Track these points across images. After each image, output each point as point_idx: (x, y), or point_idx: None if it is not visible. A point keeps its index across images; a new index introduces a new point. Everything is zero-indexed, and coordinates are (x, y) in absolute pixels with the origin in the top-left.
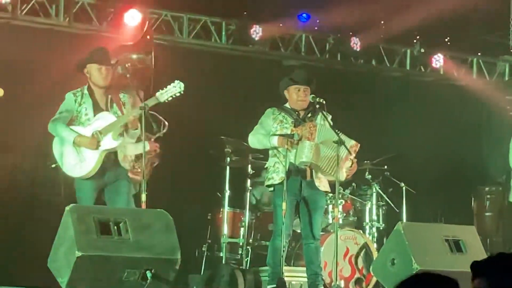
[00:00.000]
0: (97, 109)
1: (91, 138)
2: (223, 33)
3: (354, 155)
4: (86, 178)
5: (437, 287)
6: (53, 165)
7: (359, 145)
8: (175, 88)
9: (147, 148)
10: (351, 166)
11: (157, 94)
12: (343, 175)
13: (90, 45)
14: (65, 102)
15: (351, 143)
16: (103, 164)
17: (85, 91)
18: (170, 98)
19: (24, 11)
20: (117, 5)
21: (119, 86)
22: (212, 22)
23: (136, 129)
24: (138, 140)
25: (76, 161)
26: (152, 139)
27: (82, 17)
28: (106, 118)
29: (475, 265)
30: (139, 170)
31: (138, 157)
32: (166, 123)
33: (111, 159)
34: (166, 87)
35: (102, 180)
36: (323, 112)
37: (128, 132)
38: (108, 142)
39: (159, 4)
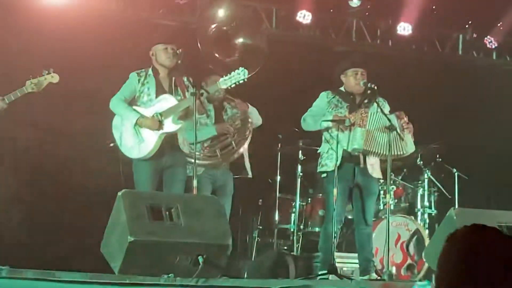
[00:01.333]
0: (159, 90)
1: (153, 119)
2: (274, 19)
3: (405, 120)
4: (144, 160)
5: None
6: (111, 144)
7: (402, 112)
8: (239, 75)
9: (214, 132)
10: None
11: (220, 80)
12: (412, 147)
13: (143, 32)
14: (128, 81)
15: (394, 116)
16: (161, 147)
17: (150, 72)
18: (233, 85)
19: None
20: None
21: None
22: (262, 8)
23: (204, 114)
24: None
25: (135, 142)
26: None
27: (135, 3)
28: (168, 101)
29: None
30: (213, 155)
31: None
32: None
33: (169, 143)
34: (230, 74)
35: (160, 163)
36: (377, 100)
37: (189, 116)
38: (168, 125)
39: None
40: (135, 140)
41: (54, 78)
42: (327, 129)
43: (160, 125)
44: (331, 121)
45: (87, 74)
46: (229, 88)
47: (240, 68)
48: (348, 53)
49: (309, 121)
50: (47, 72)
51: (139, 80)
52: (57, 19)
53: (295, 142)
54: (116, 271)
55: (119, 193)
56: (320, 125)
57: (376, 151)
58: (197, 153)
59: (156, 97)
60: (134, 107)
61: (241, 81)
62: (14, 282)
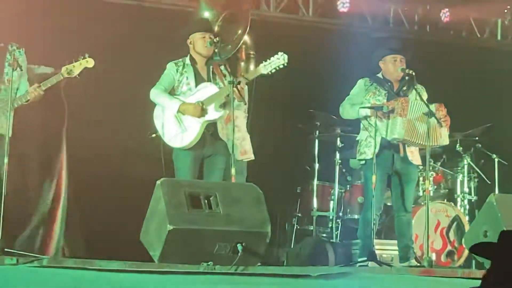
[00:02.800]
0: (199, 79)
1: (195, 105)
2: (310, 6)
3: (443, 113)
4: (186, 149)
5: None
6: (153, 135)
7: (442, 104)
8: (279, 60)
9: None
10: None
11: (260, 66)
12: (446, 140)
13: (177, 20)
14: (167, 72)
15: (434, 107)
16: (203, 136)
17: (187, 61)
18: (274, 71)
19: None
20: None
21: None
22: None
23: (242, 101)
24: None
25: (178, 131)
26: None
27: None
28: (209, 89)
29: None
30: None
31: None
32: None
33: (210, 131)
34: (269, 59)
35: (201, 152)
36: (415, 87)
37: (229, 104)
38: (211, 113)
39: None
40: (177, 130)
41: (89, 62)
42: (365, 117)
43: (202, 111)
44: (369, 108)
45: (124, 63)
46: (269, 73)
47: (280, 53)
48: (386, 40)
49: (347, 109)
50: (82, 57)
51: (177, 70)
52: (93, 7)
53: (333, 130)
54: (156, 259)
55: (158, 182)
56: (358, 112)
57: (416, 141)
58: None
59: (196, 86)
60: (175, 96)
61: (281, 66)
62: (54, 271)
